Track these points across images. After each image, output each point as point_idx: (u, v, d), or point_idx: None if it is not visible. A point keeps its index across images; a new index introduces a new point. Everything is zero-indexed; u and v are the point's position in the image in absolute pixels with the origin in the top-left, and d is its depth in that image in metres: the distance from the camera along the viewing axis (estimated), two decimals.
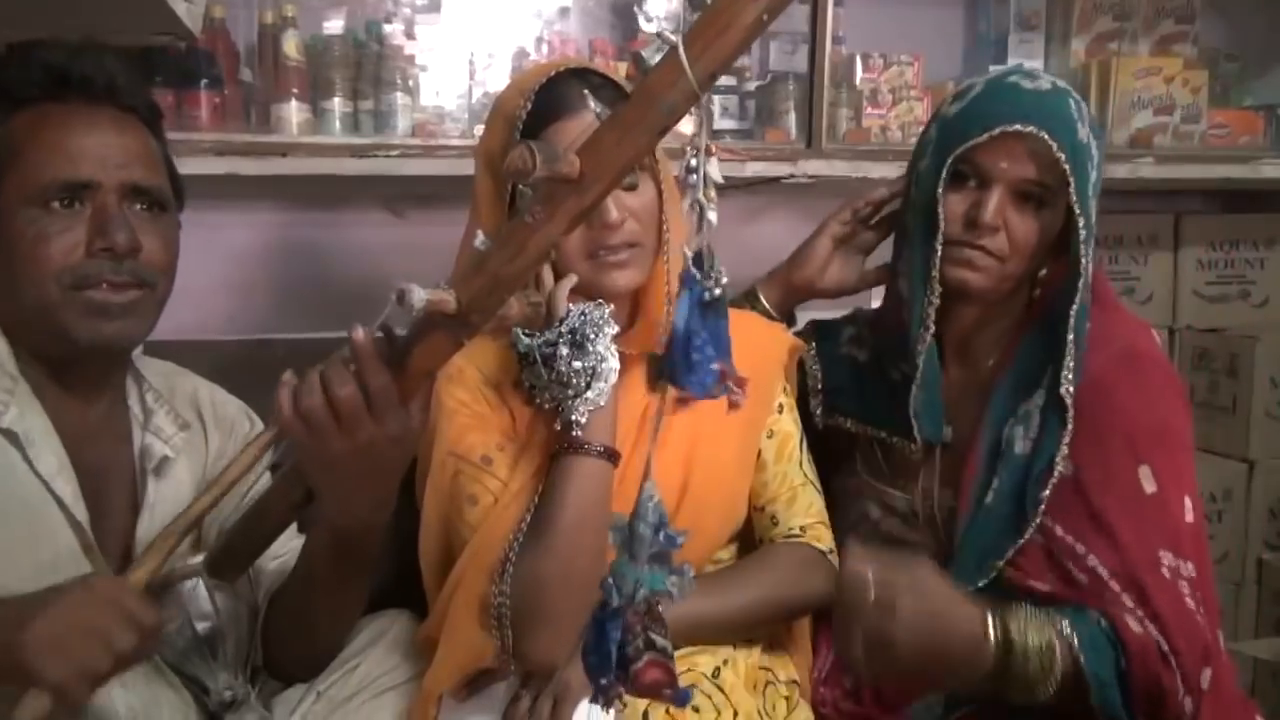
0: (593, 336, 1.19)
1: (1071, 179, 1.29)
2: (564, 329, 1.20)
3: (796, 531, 1.40)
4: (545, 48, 2.22)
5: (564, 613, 1.19)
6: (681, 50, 0.74)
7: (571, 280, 1.22)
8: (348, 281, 2.35)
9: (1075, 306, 1.31)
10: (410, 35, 2.19)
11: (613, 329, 1.21)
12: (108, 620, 0.96)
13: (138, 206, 1.19)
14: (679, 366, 0.80)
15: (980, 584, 1.30)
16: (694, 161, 0.77)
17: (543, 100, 1.25)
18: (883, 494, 1.47)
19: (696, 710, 1.25)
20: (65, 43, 1.21)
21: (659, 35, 0.76)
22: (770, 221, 2.36)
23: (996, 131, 1.29)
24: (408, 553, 1.34)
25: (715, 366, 0.80)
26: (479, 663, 1.21)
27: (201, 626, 1.17)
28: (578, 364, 1.19)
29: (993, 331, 1.43)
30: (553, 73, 1.27)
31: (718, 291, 0.79)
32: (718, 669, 1.31)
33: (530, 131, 1.24)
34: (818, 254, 1.59)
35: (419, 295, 0.88)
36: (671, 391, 1.12)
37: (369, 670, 1.25)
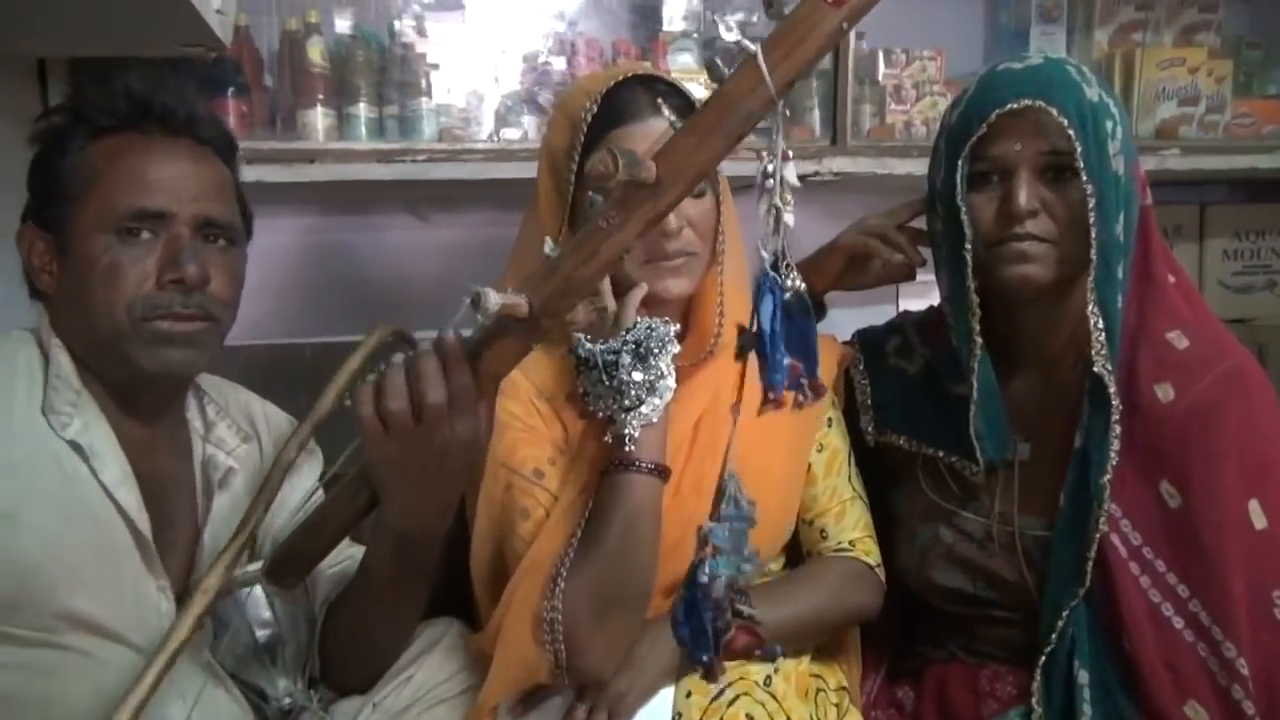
0: (656, 351, 1.19)
1: (1078, 143, 1.24)
2: (629, 339, 1.19)
3: (846, 545, 1.41)
4: (569, 49, 2.22)
5: (615, 627, 1.20)
6: (761, 58, 0.75)
7: (643, 290, 1.22)
8: (374, 284, 2.36)
9: (1091, 278, 1.26)
10: (433, 39, 2.19)
11: (675, 348, 1.21)
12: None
13: (209, 239, 1.21)
14: (762, 365, 0.80)
15: (1071, 605, 1.29)
16: (770, 166, 0.76)
17: (609, 104, 1.26)
18: (953, 516, 1.42)
19: (750, 718, 1.24)
20: (147, 71, 1.23)
21: (738, 44, 0.76)
22: (795, 219, 2.36)
23: (993, 118, 1.26)
24: (456, 559, 1.34)
25: (787, 363, 0.81)
26: (533, 677, 1.22)
27: (261, 634, 1.18)
28: (638, 375, 1.19)
29: (1068, 331, 1.35)
30: (620, 77, 1.28)
31: (788, 295, 0.79)
32: (769, 677, 1.30)
33: (595, 135, 1.25)
34: (832, 268, 1.59)
35: (493, 299, 0.89)
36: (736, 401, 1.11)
37: (423, 681, 1.25)
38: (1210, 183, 2.66)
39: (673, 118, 1.23)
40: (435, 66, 2.15)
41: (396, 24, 2.18)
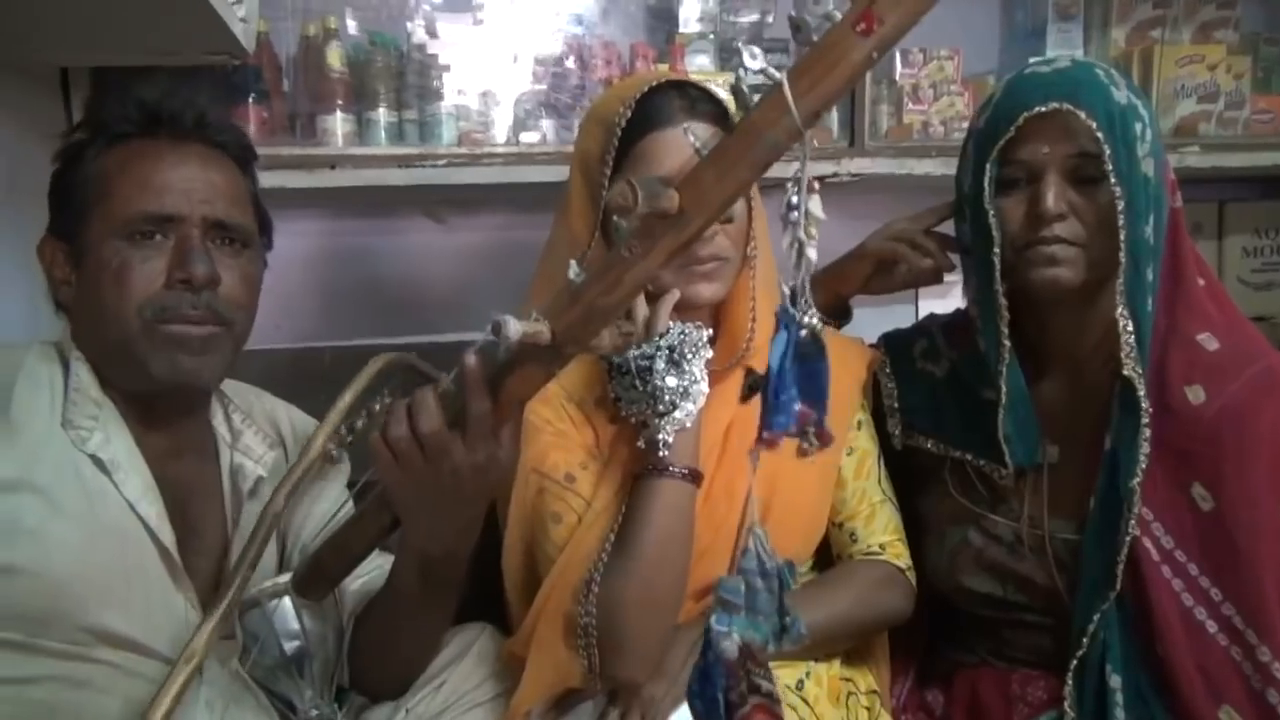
0: (690, 356, 1.20)
1: (1107, 146, 1.24)
2: (663, 344, 1.20)
3: (876, 549, 1.41)
4: (587, 52, 2.22)
5: (648, 632, 1.20)
6: (787, 88, 0.74)
7: (675, 296, 1.22)
8: (393, 288, 2.37)
9: (1120, 281, 1.26)
10: (449, 43, 2.19)
11: (709, 352, 1.21)
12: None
13: (220, 242, 1.21)
14: (766, 405, 0.80)
15: (1102, 609, 1.28)
16: (795, 199, 0.76)
17: (642, 110, 1.26)
18: (982, 519, 1.42)
19: None
20: (160, 80, 1.23)
21: (763, 72, 0.76)
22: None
23: (1021, 120, 1.26)
24: (484, 564, 1.34)
25: (797, 408, 0.80)
26: (566, 682, 1.23)
27: (289, 646, 1.17)
28: (672, 381, 1.19)
29: (1097, 334, 1.34)
30: (654, 83, 1.29)
31: (803, 332, 0.78)
32: (801, 681, 1.32)
33: (629, 140, 1.26)
34: (859, 274, 1.59)
35: (515, 328, 0.89)
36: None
37: (455, 687, 1.26)
38: (1227, 180, 2.65)
39: (700, 145, 1.24)
40: (446, 68, 2.16)
41: (410, 25, 2.19)
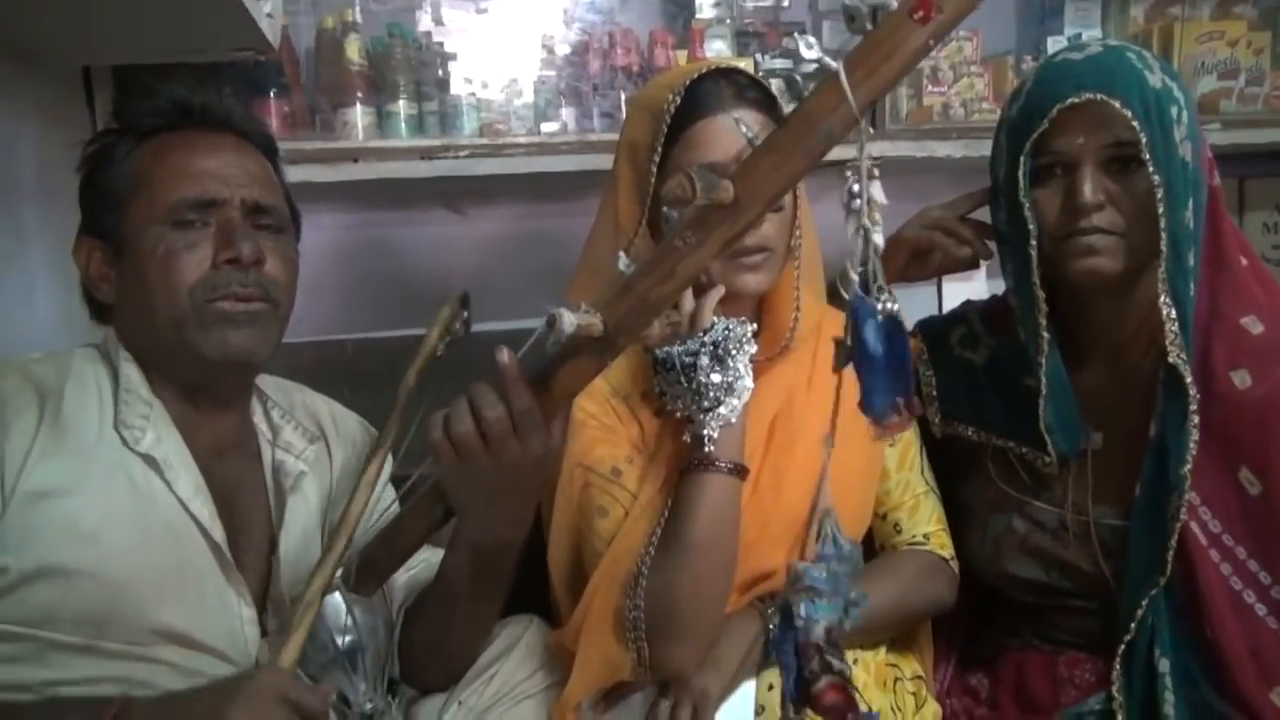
0: (734, 352, 1.20)
1: (1143, 134, 1.22)
2: (707, 340, 1.20)
3: (920, 539, 1.42)
4: (607, 40, 2.22)
5: (697, 624, 1.21)
6: (844, 77, 0.74)
7: (720, 292, 1.23)
8: (413, 280, 2.37)
9: (1162, 268, 1.25)
10: (468, 33, 2.19)
11: (753, 348, 1.22)
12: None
13: (260, 224, 1.22)
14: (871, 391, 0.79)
15: (1151, 594, 1.28)
16: (856, 187, 0.76)
17: (691, 97, 1.27)
18: (1025, 505, 1.41)
19: None
20: (184, 76, 1.23)
21: (819, 62, 0.76)
22: (835, 204, 2.34)
23: (1054, 113, 1.25)
24: (533, 556, 1.34)
25: (898, 397, 0.79)
26: (616, 675, 1.23)
27: (341, 640, 1.17)
28: (716, 377, 1.20)
29: (1137, 319, 1.33)
30: (702, 70, 1.29)
31: (894, 307, 0.78)
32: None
33: (677, 128, 1.26)
34: (895, 262, 1.57)
35: (569, 320, 0.89)
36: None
37: (506, 678, 1.27)
38: (1246, 156, 2.63)
39: (752, 135, 1.25)
40: (453, 57, 2.16)
41: (427, 17, 2.19)
